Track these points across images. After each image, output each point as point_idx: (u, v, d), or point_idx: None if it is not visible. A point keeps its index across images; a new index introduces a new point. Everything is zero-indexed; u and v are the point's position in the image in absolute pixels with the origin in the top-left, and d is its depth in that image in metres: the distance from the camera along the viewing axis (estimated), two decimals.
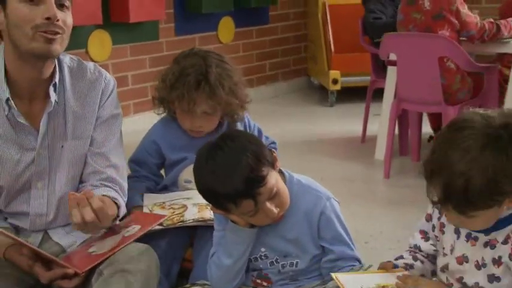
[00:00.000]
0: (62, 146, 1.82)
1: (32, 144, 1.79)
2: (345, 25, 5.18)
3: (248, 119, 2.28)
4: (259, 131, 2.30)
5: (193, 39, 5.02)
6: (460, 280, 1.55)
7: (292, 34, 5.96)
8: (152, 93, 2.25)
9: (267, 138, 2.32)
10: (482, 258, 1.51)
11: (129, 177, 1.98)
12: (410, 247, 1.71)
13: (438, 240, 1.63)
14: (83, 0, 3.88)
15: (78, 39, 4.12)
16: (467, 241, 1.54)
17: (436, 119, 3.75)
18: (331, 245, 1.78)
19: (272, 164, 1.68)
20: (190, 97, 2.06)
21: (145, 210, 2.06)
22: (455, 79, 3.33)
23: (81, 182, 1.87)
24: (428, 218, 1.65)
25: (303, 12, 6.02)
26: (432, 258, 1.67)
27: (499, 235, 1.49)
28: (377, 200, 3.28)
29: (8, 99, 1.74)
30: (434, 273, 1.66)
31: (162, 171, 2.30)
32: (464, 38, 3.36)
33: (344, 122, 4.74)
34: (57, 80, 1.79)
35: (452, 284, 1.57)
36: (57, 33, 1.68)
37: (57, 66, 1.80)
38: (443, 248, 1.60)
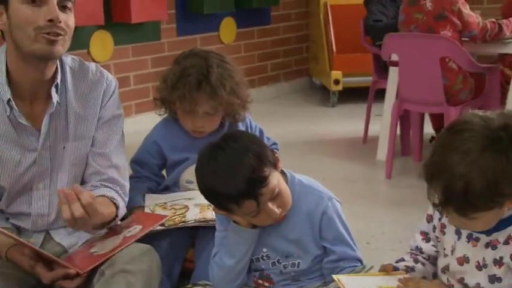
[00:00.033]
0: (64, 147, 1.82)
1: (34, 145, 1.79)
2: (347, 25, 5.18)
3: (250, 119, 2.28)
4: (261, 132, 2.30)
5: (194, 39, 5.02)
6: (461, 281, 1.55)
7: (294, 34, 5.96)
8: (154, 94, 2.25)
9: (268, 139, 2.32)
10: (484, 258, 1.51)
11: (130, 178, 1.98)
12: (412, 249, 1.71)
13: (439, 241, 1.63)
14: (84, 1, 3.88)
15: (80, 40, 4.12)
16: (468, 242, 1.54)
17: (437, 120, 3.74)
18: (332, 246, 1.78)
19: (274, 165, 1.68)
20: (191, 97, 2.06)
21: (147, 210, 2.07)
22: (457, 79, 3.33)
23: (82, 182, 1.87)
24: (429, 219, 1.65)
25: (305, 13, 6.01)
26: (433, 260, 1.67)
27: (500, 236, 1.49)
28: (379, 200, 3.27)
29: (9, 100, 1.74)
30: (435, 276, 1.66)
31: (164, 172, 2.30)
32: (466, 39, 3.36)
33: (346, 122, 4.74)
34: (59, 81, 1.79)
35: (453, 286, 1.57)
36: (59, 34, 1.69)
37: (59, 67, 1.80)
38: (444, 249, 1.59)
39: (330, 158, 3.92)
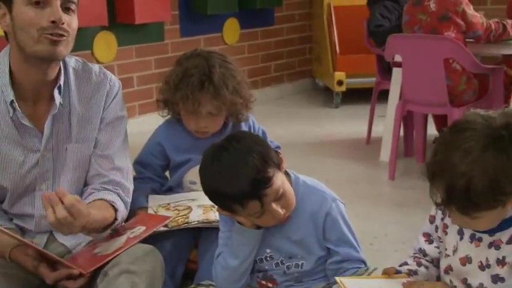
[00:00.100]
0: (66, 149, 1.82)
1: (36, 146, 1.79)
2: (350, 26, 5.18)
3: (253, 121, 2.28)
4: (264, 134, 2.29)
5: (198, 40, 5.03)
6: (464, 281, 1.55)
7: (297, 35, 5.96)
8: (157, 96, 2.26)
9: (271, 142, 2.31)
10: (487, 259, 1.51)
11: (134, 179, 1.98)
12: (415, 251, 1.71)
13: (441, 242, 1.63)
14: (88, 2, 3.89)
15: (83, 41, 4.13)
16: (471, 242, 1.53)
17: (441, 121, 3.73)
18: (336, 247, 1.78)
19: (278, 165, 1.68)
20: (194, 98, 2.06)
21: (150, 211, 2.07)
22: (461, 80, 3.33)
23: (85, 184, 1.87)
24: (432, 220, 1.65)
25: (308, 14, 6.01)
26: (437, 262, 1.66)
27: (504, 235, 1.49)
28: (382, 201, 3.27)
29: (12, 101, 1.74)
30: (439, 279, 1.65)
31: (167, 173, 2.30)
32: (470, 39, 3.35)
33: (349, 123, 4.73)
34: (62, 82, 1.79)
35: (455, 287, 1.57)
36: (62, 36, 1.69)
37: (62, 68, 1.81)
38: (446, 249, 1.59)
39: (333, 159, 3.92)
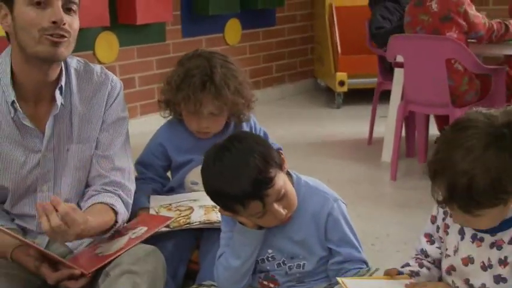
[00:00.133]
0: (68, 149, 1.82)
1: (38, 146, 1.79)
2: (352, 27, 5.18)
3: (254, 122, 2.28)
4: (265, 135, 2.29)
5: (200, 41, 5.03)
6: (466, 282, 1.55)
7: (298, 36, 5.96)
8: (158, 96, 2.26)
9: (273, 144, 2.31)
10: (489, 259, 1.51)
11: (135, 179, 1.98)
12: (417, 252, 1.70)
13: (442, 242, 1.62)
14: (90, 3, 3.89)
15: (85, 41, 4.13)
16: (472, 242, 1.53)
17: (443, 121, 3.73)
18: (338, 247, 1.78)
19: (280, 166, 1.68)
20: (196, 98, 2.06)
21: (152, 212, 2.07)
22: (463, 81, 3.32)
23: (86, 185, 1.87)
24: (433, 220, 1.65)
25: (310, 14, 6.01)
26: (439, 263, 1.66)
27: (505, 235, 1.49)
28: (383, 202, 3.27)
29: (13, 102, 1.74)
30: (441, 280, 1.65)
31: (169, 174, 2.30)
32: (472, 40, 3.35)
33: (351, 123, 4.73)
34: (63, 83, 1.79)
35: (458, 287, 1.56)
36: (63, 36, 1.69)
37: (63, 69, 1.80)
38: (447, 249, 1.59)
39: (335, 160, 3.91)
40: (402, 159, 3.70)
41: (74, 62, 1.86)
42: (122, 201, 1.84)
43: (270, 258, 1.79)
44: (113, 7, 4.29)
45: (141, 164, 2.23)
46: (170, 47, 4.84)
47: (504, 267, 1.48)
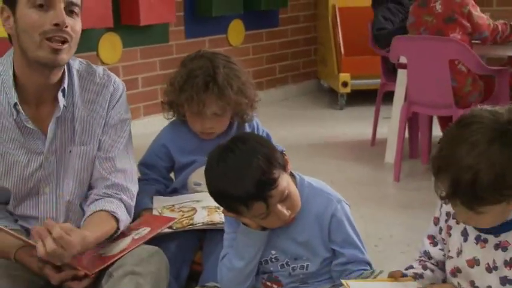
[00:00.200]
0: (70, 151, 1.82)
1: (40, 148, 1.79)
2: (355, 28, 5.17)
3: (257, 123, 2.28)
4: (268, 136, 2.29)
5: (203, 42, 5.03)
6: (472, 284, 1.54)
7: (302, 37, 5.96)
8: (161, 97, 2.26)
9: (276, 146, 2.31)
10: (494, 260, 1.50)
11: (139, 180, 1.98)
12: (420, 254, 1.70)
13: (445, 243, 1.62)
14: (93, 3, 3.90)
15: (89, 42, 4.14)
16: (476, 243, 1.53)
17: (446, 122, 3.72)
18: (341, 248, 1.77)
19: (283, 167, 1.68)
20: (199, 99, 2.06)
21: (155, 212, 2.07)
22: (467, 82, 3.32)
23: (89, 187, 1.87)
24: (436, 222, 1.65)
25: (313, 15, 6.01)
26: (442, 265, 1.66)
27: (510, 236, 1.48)
28: (387, 203, 3.26)
29: (16, 104, 1.74)
30: (445, 282, 1.65)
31: (172, 175, 2.30)
32: (477, 41, 3.34)
33: (354, 124, 4.73)
34: (65, 85, 1.79)
35: None
36: (65, 40, 1.68)
37: (66, 71, 1.80)
38: (449, 251, 1.59)
39: (338, 161, 3.91)
40: (405, 160, 3.69)
41: (76, 63, 1.86)
42: (124, 205, 1.83)
43: (273, 259, 1.79)
44: (116, 8, 4.30)
45: (144, 165, 2.23)
46: (173, 48, 4.84)
47: (510, 268, 1.48)
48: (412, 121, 3.75)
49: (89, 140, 1.84)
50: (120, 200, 1.83)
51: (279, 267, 1.80)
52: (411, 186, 3.40)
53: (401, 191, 3.39)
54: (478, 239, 1.53)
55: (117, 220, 1.79)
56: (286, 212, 1.67)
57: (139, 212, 2.03)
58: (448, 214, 1.60)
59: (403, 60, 3.52)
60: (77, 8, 1.72)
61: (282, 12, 5.69)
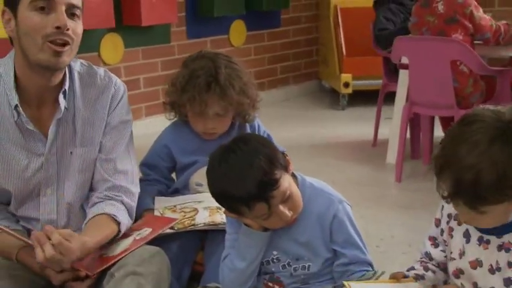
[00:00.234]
0: (71, 153, 1.82)
1: (41, 150, 1.79)
2: (357, 28, 5.17)
3: (258, 124, 2.28)
4: (269, 137, 2.29)
5: (204, 42, 5.03)
6: (475, 285, 1.54)
7: (303, 37, 5.96)
8: (163, 98, 2.26)
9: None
10: (497, 261, 1.50)
11: (140, 181, 1.98)
12: (422, 255, 1.70)
13: (447, 245, 1.62)
14: (95, 4, 3.90)
15: (90, 43, 4.14)
16: (479, 245, 1.52)
17: (448, 123, 3.71)
18: (343, 249, 1.77)
19: (285, 167, 1.68)
20: (201, 99, 2.06)
21: (157, 213, 2.07)
22: (468, 82, 3.32)
23: (91, 189, 1.87)
24: (437, 223, 1.64)
25: (315, 16, 6.01)
26: (444, 266, 1.65)
27: None
28: (388, 203, 3.26)
29: (16, 106, 1.74)
30: (446, 283, 1.65)
31: (173, 175, 2.30)
32: (479, 41, 3.34)
33: (355, 125, 4.73)
34: (67, 87, 1.79)
35: None
36: (66, 43, 1.68)
37: (67, 72, 1.80)
38: (451, 253, 1.58)
39: (340, 161, 3.91)
40: (407, 161, 3.69)
41: (77, 65, 1.86)
42: (125, 207, 1.83)
43: (275, 260, 1.79)
44: (118, 9, 4.30)
45: (145, 166, 2.23)
46: (175, 48, 4.84)
47: None
48: (413, 122, 3.75)
49: (90, 142, 1.84)
50: (121, 202, 1.83)
51: (281, 268, 1.80)
52: (413, 186, 3.39)
53: (403, 191, 3.38)
54: (480, 240, 1.53)
55: (118, 223, 1.79)
56: (288, 213, 1.67)
57: (141, 212, 2.03)
58: (449, 216, 1.60)
59: (404, 60, 3.52)
60: (78, 10, 1.72)
61: (283, 13, 5.69)
